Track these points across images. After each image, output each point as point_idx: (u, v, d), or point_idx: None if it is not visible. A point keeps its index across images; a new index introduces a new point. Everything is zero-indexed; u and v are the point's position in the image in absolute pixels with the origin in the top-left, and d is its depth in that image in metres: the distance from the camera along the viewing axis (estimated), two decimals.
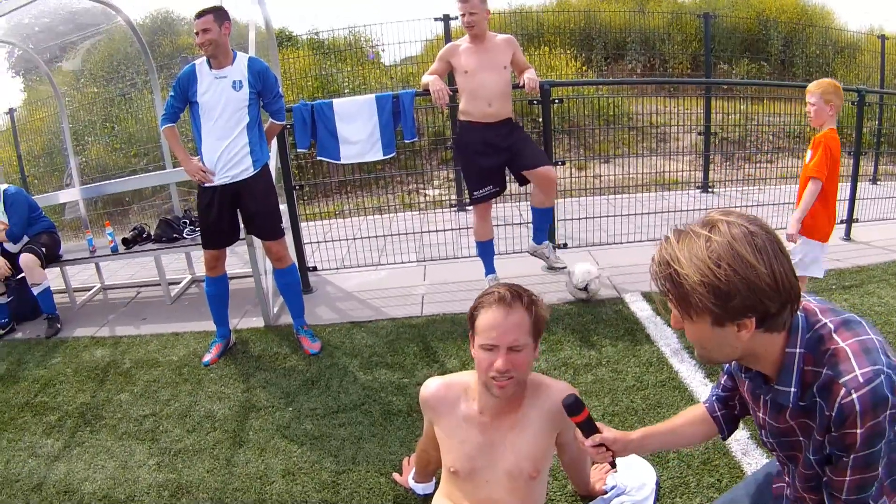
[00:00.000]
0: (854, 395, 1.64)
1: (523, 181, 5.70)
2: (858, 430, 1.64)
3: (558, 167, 6.57)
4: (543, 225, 5.89)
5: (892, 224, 7.80)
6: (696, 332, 1.79)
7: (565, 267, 5.94)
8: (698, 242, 1.68)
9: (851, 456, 1.69)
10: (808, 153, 4.67)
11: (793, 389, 1.80)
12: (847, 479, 1.73)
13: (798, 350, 1.78)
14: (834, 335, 1.75)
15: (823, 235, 4.80)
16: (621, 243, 7.17)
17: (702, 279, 1.65)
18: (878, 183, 10.33)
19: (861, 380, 1.64)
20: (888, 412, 1.63)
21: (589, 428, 2.26)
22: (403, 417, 4.16)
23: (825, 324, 1.78)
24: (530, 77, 5.52)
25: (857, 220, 7.35)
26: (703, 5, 15.81)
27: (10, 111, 12.27)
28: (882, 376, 1.64)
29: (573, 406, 2.23)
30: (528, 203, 6.04)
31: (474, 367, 2.56)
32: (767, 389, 1.91)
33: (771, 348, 1.80)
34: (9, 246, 6.47)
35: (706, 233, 1.68)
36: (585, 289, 5.65)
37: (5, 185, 6.60)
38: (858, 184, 7.28)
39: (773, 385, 1.86)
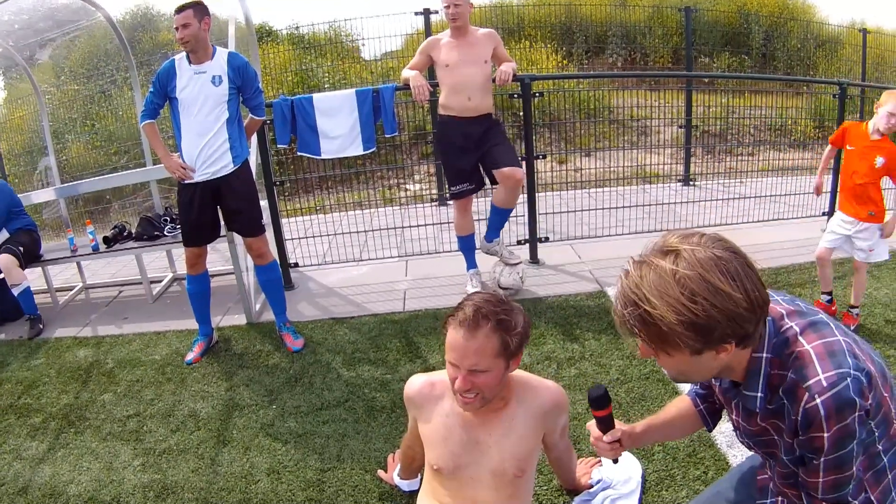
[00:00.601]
0: (818, 400, 1.62)
1: (494, 180, 5.68)
2: (825, 434, 1.63)
3: (539, 161, 6.56)
4: (499, 224, 5.86)
5: None
6: (673, 363, 1.76)
7: (520, 262, 5.95)
8: (665, 276, 1.62)
9: (822, 459, 1.68)
10: (879, 159, 4.65)
11: (759, 394, 1.79)
12: (820, 479, 1.73)
13: (765, 355, 1.76)
14: (799, 337, 1.74)
15: None
16: (603, 236, 7.20)
17: (678, 318, 1.59)
18: None
19: (825, 384, 1.63)
20: (856, 414, 1.62)
21: (608, 423, 2.23)
22: (387, 414, 4.17)
23: (791, 327, 1.77)
24: (503, 70, 5.50)
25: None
26: None
27: None
28: (848, 379, 1.63)
29: (601, 400, 2.19)
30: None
31: None
32: (735, 394, 1.91)
33: (743, 359, 1.78)
34: None
35: (671, 265, 1.62)
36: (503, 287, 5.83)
37: None
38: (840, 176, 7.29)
39: (741, 390, 1.85)
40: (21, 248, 6.26)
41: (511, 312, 2.41)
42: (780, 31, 14.91)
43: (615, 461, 2.32)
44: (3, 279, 6.27)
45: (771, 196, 7.98)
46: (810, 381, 1.65)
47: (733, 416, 2.04)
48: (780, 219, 7.56)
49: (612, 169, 9.33)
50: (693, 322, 1.59)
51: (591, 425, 2.28)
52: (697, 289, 1.58)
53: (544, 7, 14.80)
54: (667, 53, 14.45)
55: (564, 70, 13.33)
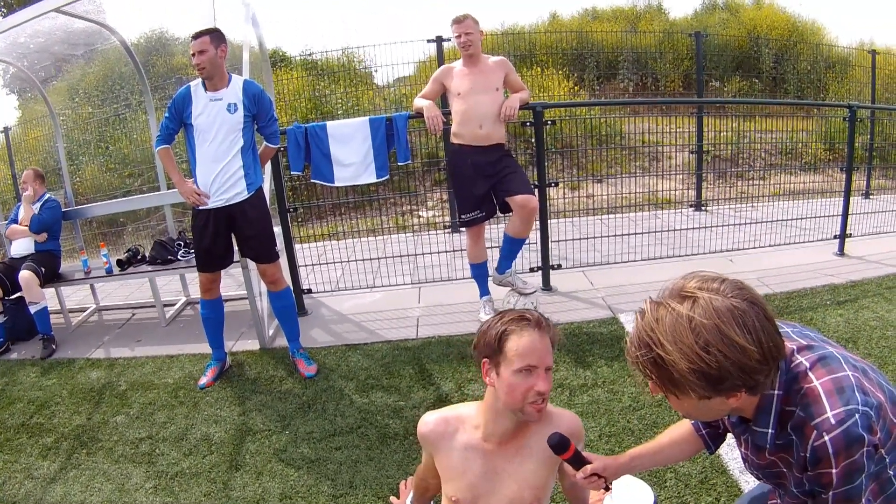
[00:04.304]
0: (826, 438, 1.63)
1: (506, 208, 5.70)
2: (833, 470, 1.64)
3: (551, 188, 6.56)
4: (511, 255, 5.87)
5: (885, 238, 7.85)
6: (682, 405, 1.78)
7: (535, 291, 5.98)
8: (681, 323, 1.63)
9: (831, 493, 1.68)
10: None
11: (770, 431, 1.80)
12: None
13: (776, 392, 1.77)
14: (809, 373, 1.74)
15: None
16: (615, 263, 7.19)
17: (691, 366, 1.61)
18: (871, 197, 10.40)
19: (833, 421, 1.63)
20: (865, 449, 1.62)
21: (578, 461, 2.27)
22: (400, 441, 4.17)
23: (801, 362, 1.77)
24: (507, 105, 5.48)
25: (850, 236, 7.38)
26: (695, 24, 15.91)
27: (5, 130, 12.27)
28: (857, 415, 1.63)
29: (559, 445, 2.23)
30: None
31: (473, 392, 2.53)
32: (745, 429, 1.91)
33: (753, 402, 1.80)
34: (16, 247, 6.70)
35: (688, 311, 1.63)
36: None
37: (49, 195, 6.91)
38: (851, 198, 7.30)
39: (751, 426, 1.86)
40: (43, 269, 6.37)
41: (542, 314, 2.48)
42: (790, 54, 14.96)
43: (606, 488, 2.33)
44: (20, 298, 6.35)
45: (782, 220, 7.99)
46: (818, 419, 1.66)
47: (742, 449, 2.04)
48: (791, 243, 7.56)
49: (624, 195, 9.34)
50: (705, 372, 1.61)
51: (567, 466, 2.32)
52: (712, 339, 1.59)
53: (556, 33, 14.89)
54: (678, 78, 14.48)
55: (576, 96, 13.38)
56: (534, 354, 2.34)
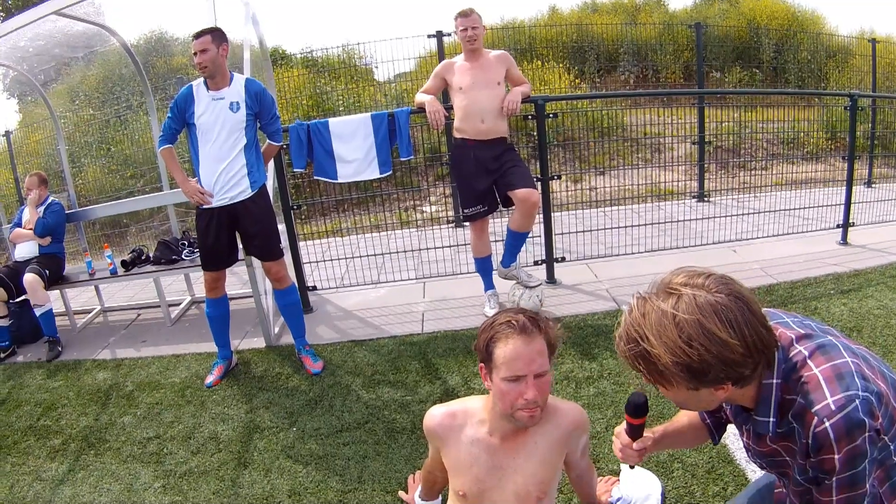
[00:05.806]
0: (827, 423, 1.65)
1: (508, 202, 5.71)
2: (836, 456, 1.66)
3: (554, 181, 6.56)
4: (515, 249, 5.87)
5: (888, 227, 7.83)
6: (672, 394, 1.82)
7: (540, 283, 5.97)
8: (665, 318, 1.68)
9: (834, 479, 1.70)
10: None
11: (771, 419, 1.82)
12: (834, 499, 1.74)
13: (775, 381, 1.79)
14: (808, 361, 1.77)
15: None
16: (619, 255, 7.19)
17: (674, 360, 1.66)
18: (873, 186, 10.38)
19: (833, 407, 1.66)
20: (866, 434, 1.64)
21: (640, 432, 2.27)
22: (407, 435, 4.17)
23: (800, 351, 1.80)
24: (509, 99, 5.49)
25: (853, 224, 7.36)
26: (695, 15, 15.89)
27: (7, 133, 12.27)
28: (857, 401, 1.65)
29: (642, 408, 2.21)
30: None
31: (479, 386, 2.52)
32: (746, 418, 1.94)
33: (746, 394, 1.83)
34: (20, 250, 6.70)
35: (671, 308, 1.68)
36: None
37: (53, 198, 6.90)
38: (853, 187, 7.29)
39: (752, 415, 1.89)
40: (47, 272, 6.37)
41: (537, 314, 2.45)
42: (790, 44, 14.94)
43: (632, 466, 2.34)
44: (25, 301, 6.36)
45: (785, 210, 7.99)
46: (818, 406, 1.68)
47: (743, 438, 2.07)
48: (794, 232, 7.55)
49: (626, 187, 9.34)
50: (688, 365, 1.66)
51: (621, 431, 2.32)
52: (694, 334, 1.64)
53: (555, 27, 14.88)
54: (678, 69, 14.46)
55: (577, 88, 13.36)
56: (518, 362, 2.33)
